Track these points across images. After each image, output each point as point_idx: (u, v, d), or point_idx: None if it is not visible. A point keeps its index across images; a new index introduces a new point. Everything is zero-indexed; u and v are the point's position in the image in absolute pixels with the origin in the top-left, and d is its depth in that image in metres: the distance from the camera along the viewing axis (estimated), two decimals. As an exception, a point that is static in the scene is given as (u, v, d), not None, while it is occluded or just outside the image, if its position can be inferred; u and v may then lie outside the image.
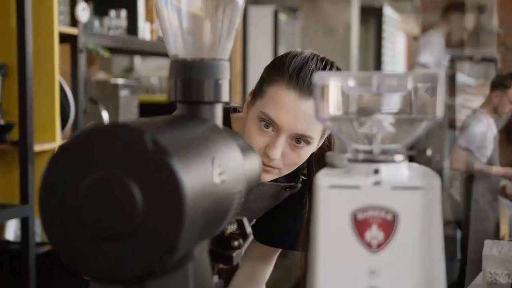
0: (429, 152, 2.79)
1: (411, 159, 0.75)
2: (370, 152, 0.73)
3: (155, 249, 0.62)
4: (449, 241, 4.35)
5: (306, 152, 1.26)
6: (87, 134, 0.64)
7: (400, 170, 0.72)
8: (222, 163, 0.74)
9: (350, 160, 0.74)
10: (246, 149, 0.90)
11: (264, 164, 1.23)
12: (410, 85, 0.70)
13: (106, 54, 2.79)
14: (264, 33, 4.76)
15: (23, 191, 2.44)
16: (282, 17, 4.84)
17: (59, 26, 2.64)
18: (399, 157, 0.72)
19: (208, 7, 0.85)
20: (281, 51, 5.47)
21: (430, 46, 4.20)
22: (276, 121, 1.21)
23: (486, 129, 3.88)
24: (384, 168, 0.71)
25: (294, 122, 1.21)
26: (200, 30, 0.85)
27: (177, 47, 0.85)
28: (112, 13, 3.10)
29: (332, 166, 0.79)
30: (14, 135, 2.50)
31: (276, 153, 1.22)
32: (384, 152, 0.73)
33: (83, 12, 2.74)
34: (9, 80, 2.54)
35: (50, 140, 2.59)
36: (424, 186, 0.69)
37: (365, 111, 0.74)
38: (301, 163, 1.29)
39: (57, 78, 2.59)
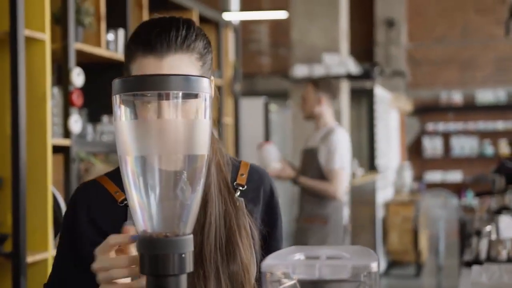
0: None
1: None
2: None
3: None
4: None
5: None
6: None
7: None
8: None
9: None
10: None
11: None
12: (347, 274, 0.78)
13: (97, 162, 2.90)
14: (256, 123, 4.89)
15: (16, 304, 2.48)
16: (273, 107, 4.98)
17: (53, 138, 2.75)
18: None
19: (169, 189, 0.94)
20: (273, 140, 5.59)
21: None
22: None
23: None
24: None
25: None
26: (164, 209, 0.94)
27: (145, 224, 0.94)
28: (105, 119, 3.22)
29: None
30: (7, 246, 2.56)
31: None
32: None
33: (76, 123, 2.86)
34: (3, 192, 2.63)
35: (42, 250, 2.66)
36: None
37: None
38: None
39: (50, 188, 2.68)
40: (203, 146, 0.94)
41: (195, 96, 0.94)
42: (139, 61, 1.21)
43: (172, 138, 0.93)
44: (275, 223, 1.37)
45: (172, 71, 1.19)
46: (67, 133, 2.87)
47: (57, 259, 1.29)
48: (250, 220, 1.30)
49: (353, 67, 5.86)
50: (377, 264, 0.79)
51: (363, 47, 9.87)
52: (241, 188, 1.32)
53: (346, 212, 4.07)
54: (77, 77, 2.92)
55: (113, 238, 1.02)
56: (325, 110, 4.01)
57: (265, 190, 1.37)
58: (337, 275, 0.80)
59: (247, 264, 1.24)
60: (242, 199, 1.31)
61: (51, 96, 2.78)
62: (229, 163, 1.34)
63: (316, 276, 0.80)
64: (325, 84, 4.06)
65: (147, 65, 1.20)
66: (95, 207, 1.27)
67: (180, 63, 1.21)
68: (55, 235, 2.77)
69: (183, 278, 0.93)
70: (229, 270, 1.23)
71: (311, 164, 3.93)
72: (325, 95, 3.99)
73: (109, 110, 3.23)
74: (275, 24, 10.01)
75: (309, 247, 0.86)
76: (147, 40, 1.21)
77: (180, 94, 0.92)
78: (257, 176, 1.37)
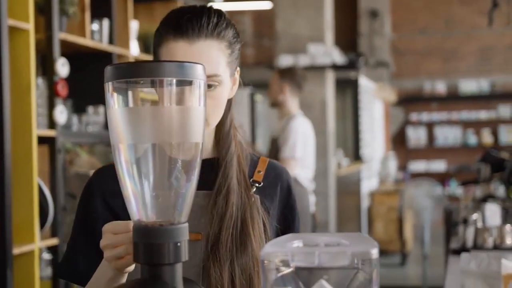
0: None
1: None
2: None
3: None
4: None
5: (220, 93, 1.24)
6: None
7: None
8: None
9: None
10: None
11: None
12: (346, 261, 0.77)
13: (82, 153, 2.87)
14: (241, 114, 4.88)
15: (2, 296, 2.46)
16: (258, 98, 4.97)
17: (38, 129, 2.72)
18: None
19: (164, 178, 0.92)
20: (259, 131, 5.59)
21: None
22: None
23: None
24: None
25: None
26: (158, 198, 0.92)
27: (139, 213, 0.92)
28: (90, 109, 3.19)
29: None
30: (-8, 239, 2.53)
31: None
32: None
33: (61, 114, 2.83)
34: (-12, 184, 2.59)
35: (28, 241, 2.63)
36: None
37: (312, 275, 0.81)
38: (223, 106, 1.26)
39: (36, 180, 2.65)
40: (198, 134, 0.93)
41: (190, 83, 0.92)
42: (169, 45, 1.21)
43: (166, 126, 0.92)
44: (293, 220, 1.37)
45: (201, 56, 1.19)
46: (52, 124, 2.84)
47: (71, 240, 1.30)
48: (264, 216, 1.30)
49: (338, 57, 5.86)
50: (377, 251, 0.78)
51: (348, 37, 9.87)
52: (257, 185, 1.32)
53: (312, 201, 4.05)
54: (62, 67, 2.88)
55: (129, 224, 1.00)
56: (289, 99, 4.00)
57: (282, 187, 1.37)
58: (336, 262, 0.79)
59: (257, 257, 1.23)
60: (257, 196, 1.31)
61: (36, 87, 2.75)
62: (247, 157, 1.34)
63: (315, 264, 0.79)
64: (290, 74, 4.05)
65: (177, 49, 1.20)
66: (109, 191, 1.27)
67: (209, 49, 1.21)
68: (42, 227, 2.75)
69: (178, 267, 0.92)
70: (241, 261, 1.23)
71: (274, 153, 3.93)
72: (288, 84, 3.98)
73: (94, 101, 3.20)
74: (258, 15, 9.98)
75: (308, 234, 0.85)
76: (179, 24, 1.21)
77: (174, 81, 0.91)
78: (274, 173, 1.37)
